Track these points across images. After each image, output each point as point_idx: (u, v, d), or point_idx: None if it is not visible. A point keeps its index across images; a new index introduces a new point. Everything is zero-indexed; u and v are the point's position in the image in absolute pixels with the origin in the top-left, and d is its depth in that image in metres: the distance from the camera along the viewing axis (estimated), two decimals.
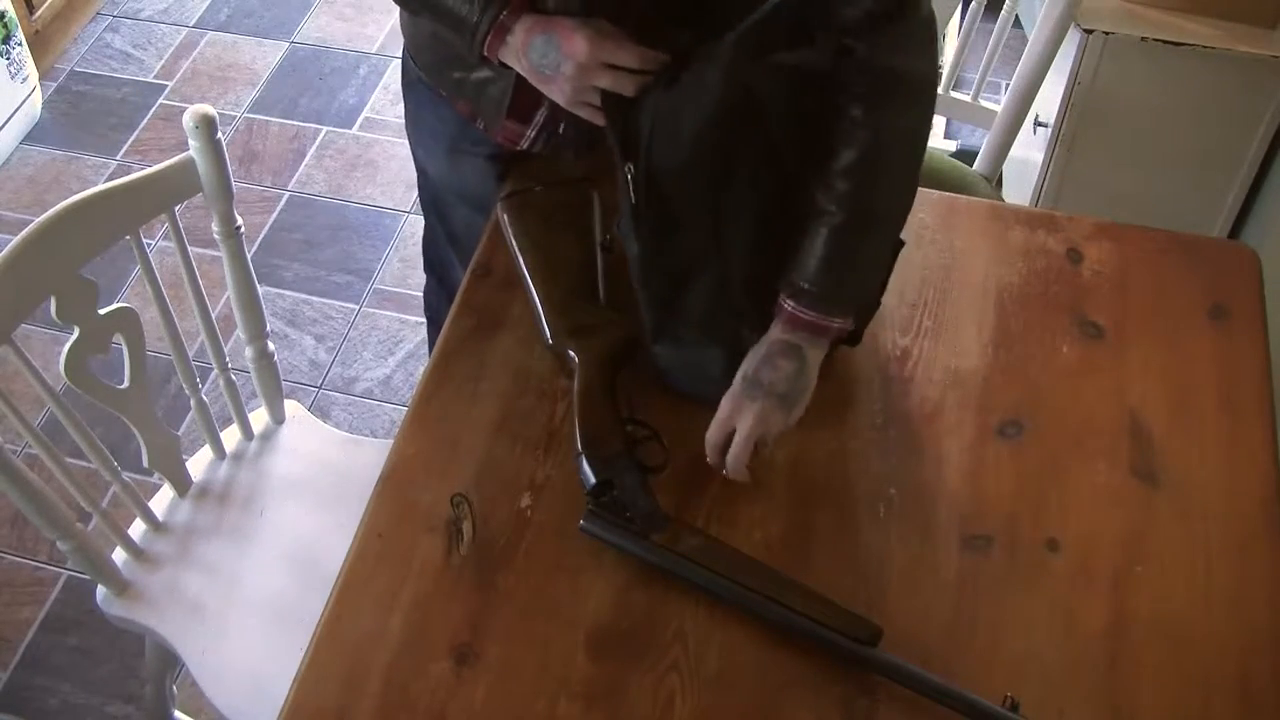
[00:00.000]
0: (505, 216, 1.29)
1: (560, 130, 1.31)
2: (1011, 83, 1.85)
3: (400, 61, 1.47)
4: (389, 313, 2.44)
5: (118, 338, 1.34)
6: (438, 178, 1.49)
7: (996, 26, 1.87)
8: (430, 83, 1.37)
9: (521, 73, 1.14)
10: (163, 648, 1.46)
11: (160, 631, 1.43)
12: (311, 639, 1.04)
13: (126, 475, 1.44)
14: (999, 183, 1.99)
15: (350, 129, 2.81)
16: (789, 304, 1.09)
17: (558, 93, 1.12)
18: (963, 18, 2.27)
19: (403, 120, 1.50)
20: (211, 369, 1.57)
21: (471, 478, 1.14)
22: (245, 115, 2.83)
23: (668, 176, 1.08)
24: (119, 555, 1.47)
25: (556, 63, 1.10)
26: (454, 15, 1.13)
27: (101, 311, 1.31)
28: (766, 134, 1.07)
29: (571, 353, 1.16)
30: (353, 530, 1.11)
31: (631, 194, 1.11)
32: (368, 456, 1.59)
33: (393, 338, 2.40)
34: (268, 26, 3.06)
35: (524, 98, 1.25)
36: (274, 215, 2.62)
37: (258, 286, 1.50)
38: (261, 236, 2.58)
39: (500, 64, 1.15)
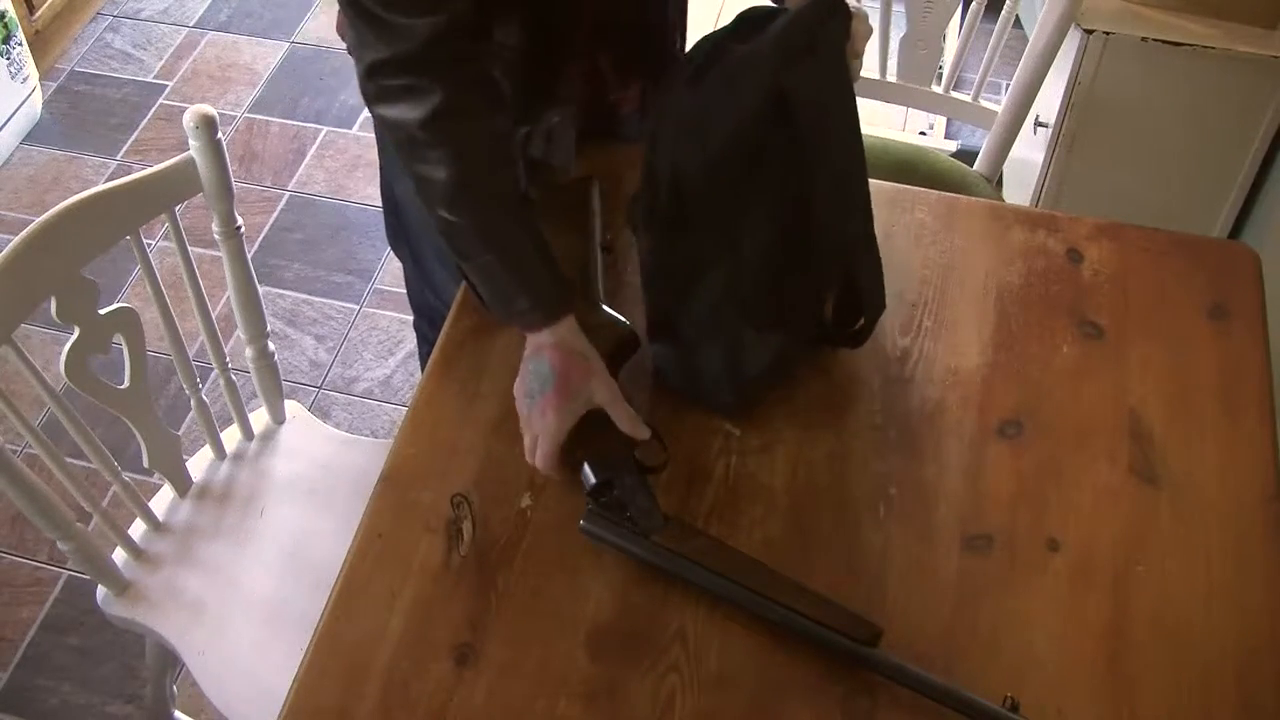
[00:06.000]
0: None
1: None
2: (1012, 83, 1.85)
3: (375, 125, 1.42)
4: (389, 313, 2.44)
5: (118, 338, 1.34)
6: None
7: (996, 27, 1.87)
8: None
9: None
10: (163, 648, 1.46)
11: (160, 631, 1.43)
12: (311, 639, 1.04)
13: (126, 475, 1.44)
14: (999, 183, 1.99)
15: (351, 129, 2.81)
16: None
17: (522, 419, 1.12)
18: (963, 18, 2.27)
19: None
20: (211, 369, 1.57)
21: (471, 478, 1.14)
22: (245, 115, 2.83)
23: (689, 174, 1.07)
24: (119, 555, 1.47)
25: (540, 389, 1.10)
26: (503, 292, 1.12)
27: (101, 311, 1.31)
28: (796, 138, 1.06)
29: None
30: (353, 530, 1.11)
31: (649, 188, 1.11)
32: (368, 457, 1.59)
33: (393, 338, 2.40)
34: (268, 26, 3.06)
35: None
36: (274, 215, 2.62)
37: (258, 286, 1.50)
38: (262, 236, 2.58)
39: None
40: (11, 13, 2.67)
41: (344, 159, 2.74)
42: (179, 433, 1.52)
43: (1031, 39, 1.80)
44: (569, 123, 1.29)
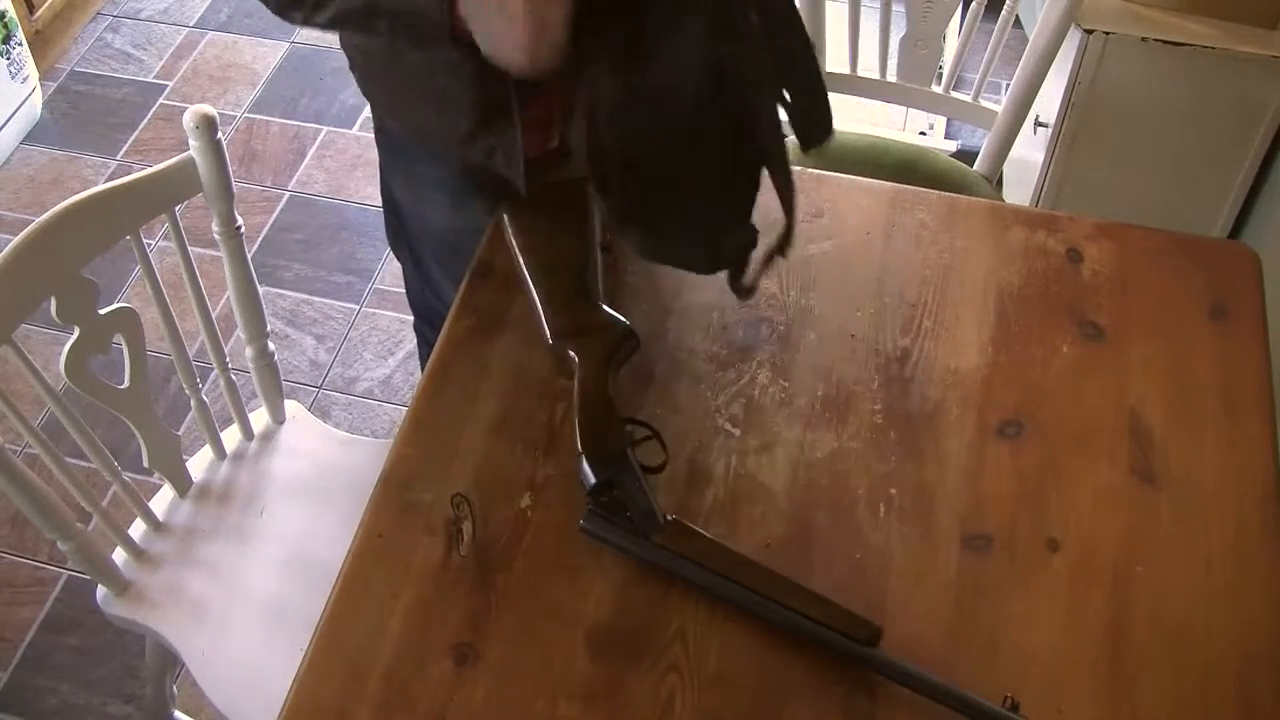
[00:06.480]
0: (505, 216, 1.29)
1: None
2: (1012, 83, 1.86)
3: (374, 126, 1.41)
4: (389, 313, 2.44)
5: (118, 338, 1.34)
6: (446, 228, 1.42)
7: (996, 26, 1.87)
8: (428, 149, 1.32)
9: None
10: (163, 648, 1.46)
11: (160, 631, 1.43)
12: (311, 639, 1.04)
13: (126, 475, 1.44)
14: (999, 183, 1.99)
15: (351, 129, 2.81)
16: None
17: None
18: (963, 18, 2.27)
19: None
20: (211, 369, 1.57)
21: (471, 478, 1.14)
22: (245, 115, 2.84)
23: (637, 153, 1.03)
24: (119, 555, 1.47)
25: None
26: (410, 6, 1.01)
27: (101, 311, 1.31)
28: (743, 100, 1.02)
29: (571, 353, 1.16)
30: (352, 530, 1.11)
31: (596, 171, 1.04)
32: (367, 456, 1.59)
33: (393, 338, 2.40)
34: (268, 26, 3.06)
35: (529, 134, 1.21)
36: (274, 215, 2.62)
37: (258, 286, 1.50)
38: (262, 236, 2.58)
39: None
40: (11, 13, 2.67)
41: (344, 159, 2.74)
42: (179, 433, 1.52)
43: (1031, 39, 1.81)
44: (514, 137, 1.22)
